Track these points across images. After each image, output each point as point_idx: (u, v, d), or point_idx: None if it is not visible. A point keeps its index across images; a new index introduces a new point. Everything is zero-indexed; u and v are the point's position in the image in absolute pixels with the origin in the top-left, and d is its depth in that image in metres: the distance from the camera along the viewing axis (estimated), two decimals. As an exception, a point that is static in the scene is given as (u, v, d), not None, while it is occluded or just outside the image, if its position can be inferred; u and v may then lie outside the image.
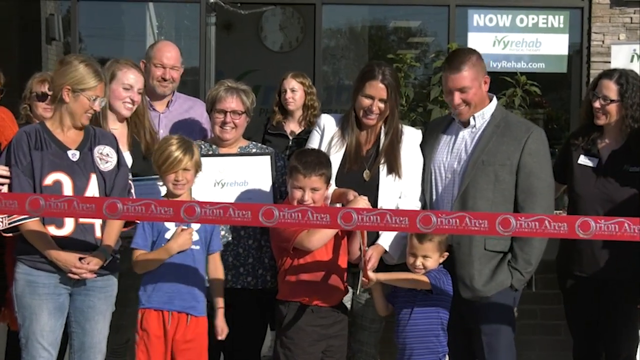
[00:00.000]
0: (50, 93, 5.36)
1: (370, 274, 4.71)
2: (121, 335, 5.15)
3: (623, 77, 5.33)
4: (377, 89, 5.02)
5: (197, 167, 4.87)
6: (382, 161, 5.09)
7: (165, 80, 5.94)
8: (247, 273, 5.23)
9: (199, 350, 4.88)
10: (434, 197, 5.10)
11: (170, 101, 6.07)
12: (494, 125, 5.03)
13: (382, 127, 5.15)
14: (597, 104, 5.30)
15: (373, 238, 4.97)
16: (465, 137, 5.08)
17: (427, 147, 5.18)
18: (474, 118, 5.05)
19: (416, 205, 5.09)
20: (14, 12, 12.52)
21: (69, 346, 4.88)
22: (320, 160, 4.87)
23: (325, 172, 4.82)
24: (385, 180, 5.07)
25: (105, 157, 4.79)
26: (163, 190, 4.98)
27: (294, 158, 4.91)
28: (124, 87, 5.31)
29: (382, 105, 5.03)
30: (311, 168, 4.77)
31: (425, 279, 4.72)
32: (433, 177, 5.11)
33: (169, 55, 6.02)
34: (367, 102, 5.04)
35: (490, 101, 5.12)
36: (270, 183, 5.27)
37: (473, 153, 4.99)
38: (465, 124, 5.09)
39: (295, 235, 4.72)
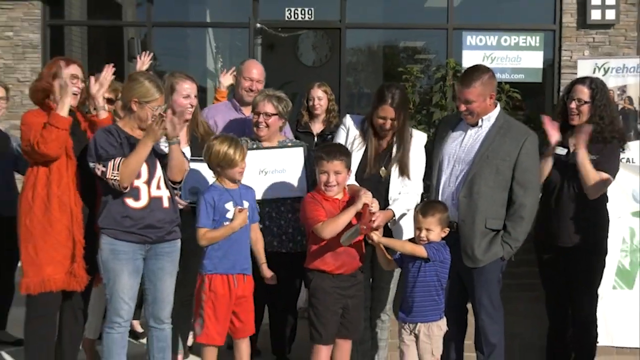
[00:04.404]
0: (111, 97, 5.47)
1: (373, 235, 4.66)
2: (186, 289, 5.11)
3: (594, 82, 5.27)
4: (388, 111, 4.94)
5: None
6: (395, 164, 5.03)
7: (251, 90, 5.93)
8: (289, 240, 5.28)
9: (250, 301, 4.93)
10: (443, 180, 5.01)
11: None
12: (497, 127, 4.95)
13: (395, 135, 5.08)
14: (572, 105, 5.22)
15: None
16: (473, 135, 4.99)
17: (439, 139, 5.12)
18: (482, 120, 4.97)
19: (417, 195, 5.06)
20: (102, 36, 12.57)
21: (144, 299, 4.86)
22: (340, 150, 4.82)
23: (345, 159, 4.75)
24: (397, 180, 5.02)
25: (164, 142, 4.77)
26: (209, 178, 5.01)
27: (318, 149, 4.91)
28: (184, 96, 5.24)
29: (393, 122, 4.96)
30: (333, 154, 4.71)
31: (422, 250, 4.64)
32: (444, 164, 5.02)
33: (255, 71, 6.05)
34: (380, 121, 4.98)
35: (495, 107, 5.03)
36: (303, 169, 5.25)
37: (480, 149, 4.91)
38: (474, 125, 5.00)
39: (314, 223, 4.66)
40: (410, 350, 4.77)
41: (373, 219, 4.64)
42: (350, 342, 4.94)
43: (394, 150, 5.05)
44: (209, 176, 4.97)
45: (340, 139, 5.14)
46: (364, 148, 5.06)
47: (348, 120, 5.20)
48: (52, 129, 4.56)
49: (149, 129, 4.53)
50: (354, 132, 5.11)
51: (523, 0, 11.63)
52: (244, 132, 5.56)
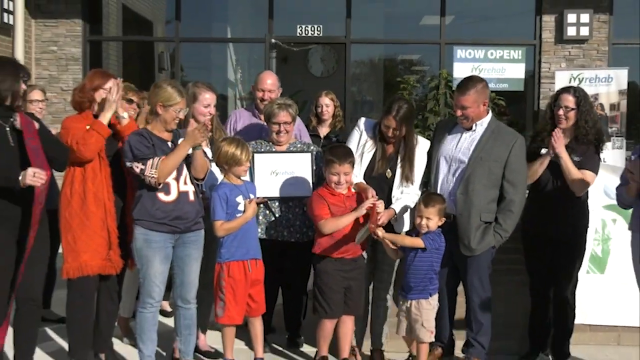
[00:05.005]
0: (134, 99, 5.38)
1: (378, 232, 4.68)
2: (207, 273, 5.07)
3: (577, 91, 5.21)
4: (391, 121, 4.94)
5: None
6: (400, 168, 5.03)
7: (264, 100, 5.84)
8: (296, 231, 5.24)
9: (262, 284, 4.93)
10: (440, 178, 5.00)
11: None
12: (490, 131, 4.94)
13: (402, 143, 5.07)
14: (560, 112, 5.15)
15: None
16: (468, 138, 4.97)
17: (437, 141, 5.10)
18: (475, 125, 4.95)
19: (416, 195, 5.04)
20: (136, 50, 12.59)
21: (172, 282, 4.83)
22: (348, 152, 4.87)
23: (352, 160, 4.82)
24: (399, 181, 5.02)
25: None
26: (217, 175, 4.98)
27: (328, 153, 4.89)
28: (204, 106, 5.19)
29: (395, 132, 4.96)
30: (343, 158, 4.77)
31: (419, 242, 4.70)
32: (442, 164, 5.00)
33: (268, 82, 5.94)
34: (385, 129, 4.99)
35: (488, 113, 5.01)
36: (309, 172, 5.23)
37: (474, 151, 4.89)
38: (469, 129, 4.98)
39: (319, 219, 4.76)
40: (402, 323, 4.89)
41: (379, 217, 4.69)
42: (353, 318, 5.00)
43: (400, 156, 5.06)
44: (219, 174, 4.96)
45: (354, 139, 5.14)
46: (374, 150, 5.07)
47: (362, 123, 5.19)
48: (93, 133, 4.56)
49: (191, 135, 4.53)
50: (367, 135, 5.13)
51: (507, 18, 11.62)
52: (261, 136, 5.55)
